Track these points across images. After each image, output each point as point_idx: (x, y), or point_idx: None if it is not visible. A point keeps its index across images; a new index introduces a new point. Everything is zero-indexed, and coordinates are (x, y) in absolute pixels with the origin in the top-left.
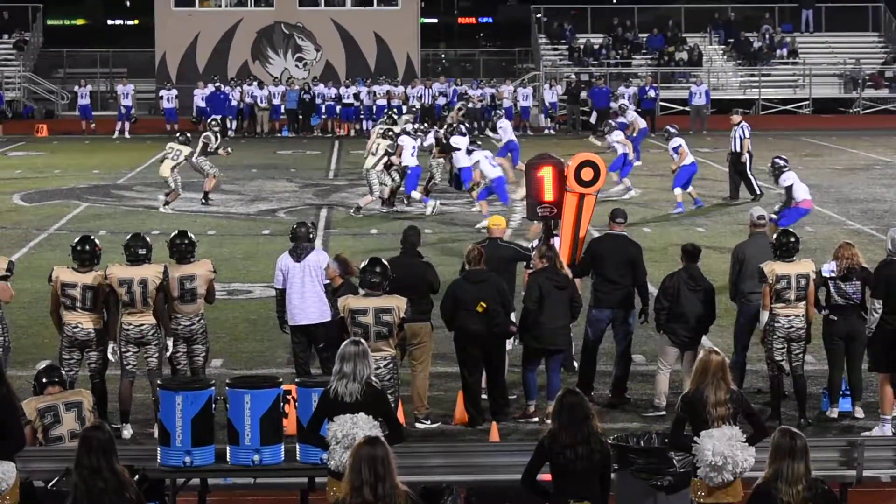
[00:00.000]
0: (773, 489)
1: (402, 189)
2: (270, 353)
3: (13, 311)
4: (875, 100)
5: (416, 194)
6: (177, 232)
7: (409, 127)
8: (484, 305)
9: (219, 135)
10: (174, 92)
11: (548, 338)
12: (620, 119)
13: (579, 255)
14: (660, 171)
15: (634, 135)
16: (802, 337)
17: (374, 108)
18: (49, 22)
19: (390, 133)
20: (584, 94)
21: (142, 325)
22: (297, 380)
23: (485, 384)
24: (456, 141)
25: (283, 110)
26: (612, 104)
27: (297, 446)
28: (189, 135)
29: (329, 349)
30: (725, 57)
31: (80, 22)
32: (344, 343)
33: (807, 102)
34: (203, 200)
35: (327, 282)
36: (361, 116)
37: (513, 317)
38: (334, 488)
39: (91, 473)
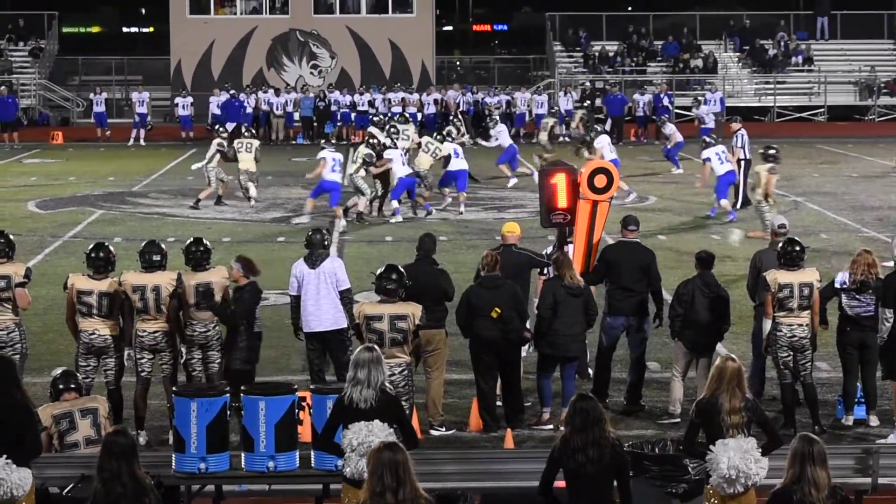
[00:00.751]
0: (794, 493)
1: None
2: (285, 359)
3: (28, 318)
4: (890, 107)
5: (395, 203)
6: (192, 239)
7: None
8: (499, 312)
9: (224, 142)
10: (189, 99)
11: (562, 345)
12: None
13: (593, 262)
14: (675, 180)
15: (670, 146)
16: (806, 346)
17: (390, 115)
18: (64, 29)
19: (371, 141)
20: (598, 102)
21: (156, 331)
22: (311, 386)
23: (500, 391)
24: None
25: (297, 117)
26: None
27: (312, 453)
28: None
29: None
30: (740, 64)
31: (95, 29)
32: (358, 349)
33: (822, 110)
34: (194, 205)
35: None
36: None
37: (528, 323)
38: (349, 495)
39: (111, 478)
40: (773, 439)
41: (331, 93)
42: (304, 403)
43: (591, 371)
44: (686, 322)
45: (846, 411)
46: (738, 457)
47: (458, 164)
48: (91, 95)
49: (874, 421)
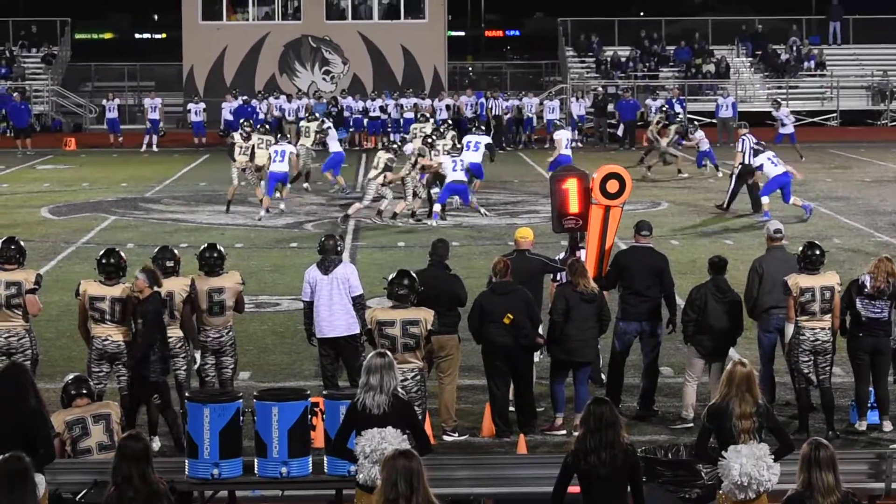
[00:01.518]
0: (806, 499)
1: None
2: (298, 365)
3: (41, 324)
4: None
5: (438, 207)
6: (206, 245)
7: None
8: (511, 317)
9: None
10: (202, 105)
11: (575, 350)
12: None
13: (606, 267)
14: (688, 185)
15: (702, 150)
16: (828, 350)
17: (402, 120)
18: (77, 36)
19: (394, 147)
20: (611, 107)
21: (169, 337)
22: (324, 392)
23: (512, 396)
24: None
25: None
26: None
27: (325, 458)
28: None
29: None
30: (753, 69)
31: (107, 36)
32: (370, 355)
33: (834, 115)
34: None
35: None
36: (389, 129)
37: (540, 329)
38: (362, 501)
39: (123, 482)
40: (784, 444)
41: (343, 99)
42: (316, 409)
43: (603, 376)
44: (699, 327)
45: (859, 416)
46: (750, 463)
47: (472, 156)
48: (104, 102)
49: (888, 426)
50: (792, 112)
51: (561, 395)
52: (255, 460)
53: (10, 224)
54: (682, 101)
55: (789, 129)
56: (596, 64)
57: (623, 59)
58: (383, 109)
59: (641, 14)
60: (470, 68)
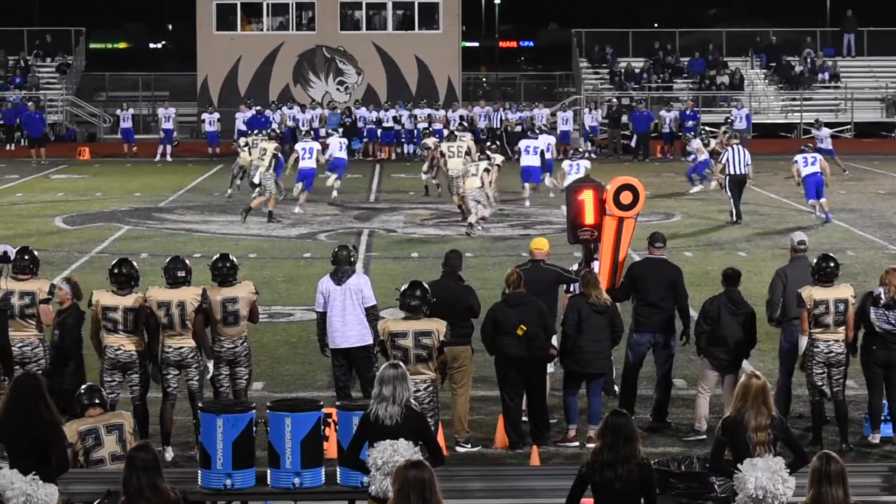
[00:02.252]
0: None
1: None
2: (311, 375)
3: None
4: None
5: None
6: (219, 255)
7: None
8: (524, 329)
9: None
10: (216, 115)
11: (587, 362)
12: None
13: (619, 279)
14: (702, 197)
15: (697, 163)
16: (842, 362)
17: (415, 131)
18: (91, 45)
19: (487, 151)
20: (625, 118)
21: (181, 347)
22: (337, 403)
23: (525, 408)
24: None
25: (323, 133)
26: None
27: (338, 469)
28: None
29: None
30: (767, 81)
31: (122, 45)
32: (383, 366)
33: (849, 126)
34: (244, 217)
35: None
36: (402, 140)
37: (554, 340)
38: None
39: (135, 493)
40: (799, 457)
41: (357, 109)
42: (329, 420)
43: (616, 388)
44: (711, 339)
45: (873, 429)
46: (765, 477)
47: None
48: (118, 111)
49: None
50: (806, 124)
51: (574, 407)
52: (268, 471)
53: (23, 234)
54: (696, 112)
55: (827, 145)
56: (610, 75)
57: (637, 71)
58: (397, 120)
59: (656, 25)
60: (484, 79)
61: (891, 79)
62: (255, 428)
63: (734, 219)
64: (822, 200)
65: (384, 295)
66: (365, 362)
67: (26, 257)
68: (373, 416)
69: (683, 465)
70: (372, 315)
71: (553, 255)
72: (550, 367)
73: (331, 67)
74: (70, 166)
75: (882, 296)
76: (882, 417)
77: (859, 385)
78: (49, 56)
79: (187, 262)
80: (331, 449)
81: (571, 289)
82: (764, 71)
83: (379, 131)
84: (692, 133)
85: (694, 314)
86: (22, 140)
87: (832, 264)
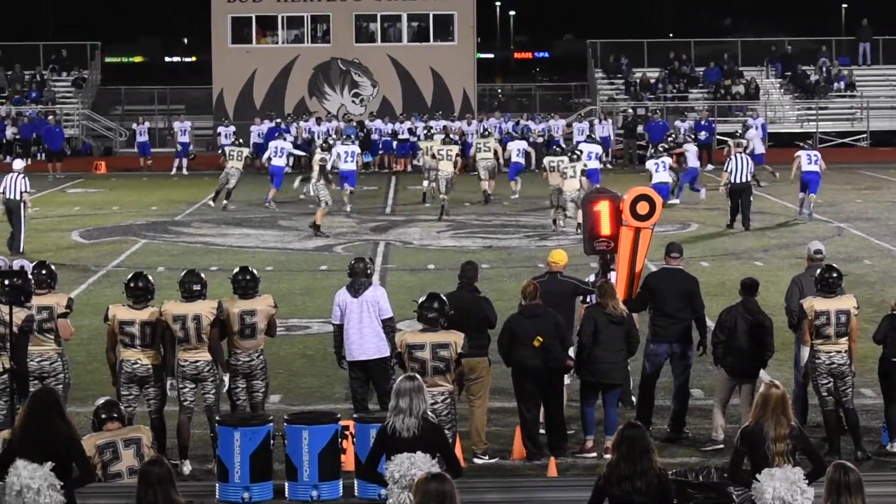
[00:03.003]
0: None
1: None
2: (328, 388)
3: (72, 348)
4: None
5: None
6: (239, 268)
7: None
8: (541, 340)
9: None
10: (232, 128)
11: (603, 372)
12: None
13: (636, 289)
14: (718, 206)
15: (682, 173)
16: (846, 373)
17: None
18: (107, 59)
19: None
20: (640, 129)
21: (197, 361)
22: (354, 415)
23: (543, 419)
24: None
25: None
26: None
27: (356, 482)
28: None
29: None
30: (782, 90)
31: (137, 59)
32: (399, 378)
33: (864, 135)
34: (315, 232)
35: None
36: (418, 152)
37: (571, 351)
38: None
39: None
40: (818, 467)
41: (372, 121)
42: (347, 432)
43: (634, 398)
44: (728, 349)
45: (891, 438)
46: (783, 487)
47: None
48: (133, 125)
49: None
50: (822, 133)
51: (591, 418)
52: (286, 484)
53: (40, 248)
54: (712, 122)
55: (760, 148)
56: (625, 85)
57: (652, 81)
58: (412, 132)
59: (671, 35)
60: (499, 90)
61: None
62: (272, 441)
63: (746, 227)
64: (812, 195)
65: (401, 307)
66: (382, 374)
67: (43, 272)
68: (390, 429)
69: (701, 475)
70: (389, 327)
71: (571, 266)
72: (567, 379)
73: (346, 80)
74: (86, 180)
75: None
76: None
77: (876, 394)
78: (65, 70)
79: (203, 275)
80: (348, 461)
81: (588, 299)
82: (779, 80)
83: (394, 143)
84: (691, 138)
85: (711, 324)
86: (39, 154)
87: (835, 275)
